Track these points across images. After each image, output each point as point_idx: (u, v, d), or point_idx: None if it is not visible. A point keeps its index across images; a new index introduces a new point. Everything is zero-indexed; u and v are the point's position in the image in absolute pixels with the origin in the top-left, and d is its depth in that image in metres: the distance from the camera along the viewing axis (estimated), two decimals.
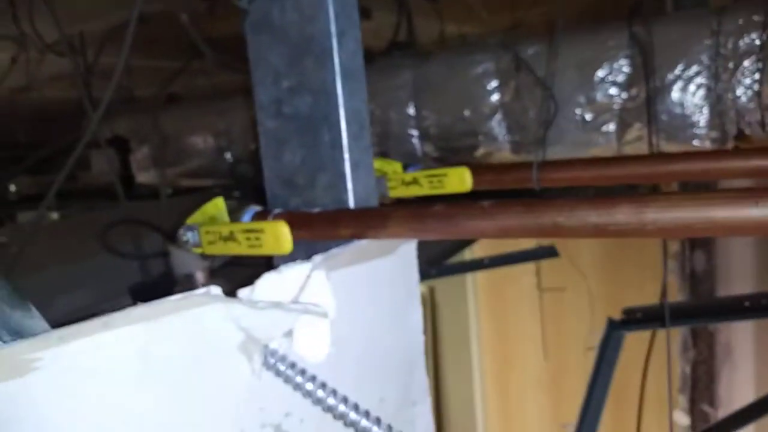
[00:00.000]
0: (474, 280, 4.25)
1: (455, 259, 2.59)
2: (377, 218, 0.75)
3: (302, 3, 0.85)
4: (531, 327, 4.21)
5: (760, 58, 1.53)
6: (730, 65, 1.56)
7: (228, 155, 2.44)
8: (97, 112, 1.38)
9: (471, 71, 1.89)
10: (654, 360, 1.76)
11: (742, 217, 0.51)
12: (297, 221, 0.80)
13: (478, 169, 1.01)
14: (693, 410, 3.71)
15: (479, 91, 1.88)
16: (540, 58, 1.78)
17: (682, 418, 3.67)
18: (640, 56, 1.67)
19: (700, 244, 3.62)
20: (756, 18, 1.53)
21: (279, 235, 0.77)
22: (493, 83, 1.86)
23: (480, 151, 1.93)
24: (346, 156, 0.85)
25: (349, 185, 0.85)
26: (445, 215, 0.70)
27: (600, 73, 1.72)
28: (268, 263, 0.83)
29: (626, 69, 1.70)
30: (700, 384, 3.70)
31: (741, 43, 1.55)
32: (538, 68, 1.77)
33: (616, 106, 1.71)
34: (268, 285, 0.67)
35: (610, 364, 1.73)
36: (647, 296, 1.96)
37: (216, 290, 0.60)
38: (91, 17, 2.15)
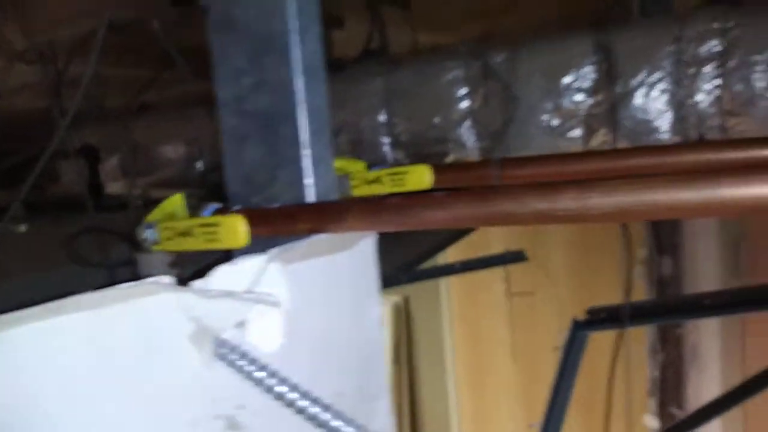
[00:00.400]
0: (447, 288, 4.27)
1: (427, 265, 2.60)
2: (335, 212, 0.76)
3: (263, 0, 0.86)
4: (502, 332, 4.24)
5: (720, 64, 1.56)
6: (692, 71, 1.59)
7: (199, 164, 2.42)
8: (65, 121, 1.37)
9: (441, 78, 1.90)
10: (621, 363, 1.78)
11: (679, 199, 0.52)
12: (255, 217, 0.80)
13: (439, 167, 1.02)
14: (662, 413, 3.75)
15: (449, 98, 1.89)
16: (508, 65, 1.80)
17: (651, 422, 3.70)
18: (605, 63, 1.70)
19: (667, 249, 3.68)
20: (716, 25, 1.56)
21: (235, 229, 0.77)
22: (463, 90, 1.88)
23: (450, 158, 1.94)
24: (306, 152, 0.85)
25: (309, 181, 0.85)
26: (401, 206, 0.71)
27: (566, 80, 1.74)
28: None
29: (592, 75, 1.72)
30: (669, 386, 3.74)
31: (702, 49, 1.58)
32: (507, 75, 1.79)
33: (582, 112, 1.74)
34: (222, 276, 0.67)
35: (574, 363, 1.76)
36: (615, 300, 1.98)
37: (167, 279, 0.60)
38: (61, 25, 2.13)
